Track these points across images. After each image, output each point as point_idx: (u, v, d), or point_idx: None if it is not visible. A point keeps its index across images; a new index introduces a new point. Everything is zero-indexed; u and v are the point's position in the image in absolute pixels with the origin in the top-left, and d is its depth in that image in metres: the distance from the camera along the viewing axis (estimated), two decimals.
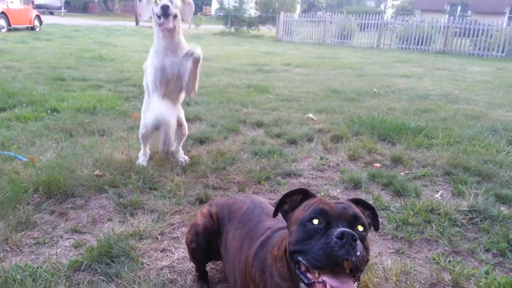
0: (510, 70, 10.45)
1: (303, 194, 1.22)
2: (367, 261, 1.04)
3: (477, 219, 2.33)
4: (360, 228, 1.06)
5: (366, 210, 1.23)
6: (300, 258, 1.04)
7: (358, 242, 0.98)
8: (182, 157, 3.10)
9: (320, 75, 8.27)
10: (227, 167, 3.00)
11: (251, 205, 1.54)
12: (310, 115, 4.58)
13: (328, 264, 0.97)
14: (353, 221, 1.06)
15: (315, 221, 1.04)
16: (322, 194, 2.64)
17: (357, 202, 1.20)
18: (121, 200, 2.38)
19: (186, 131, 3.15)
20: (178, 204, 2.40)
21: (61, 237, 2.02)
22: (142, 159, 3.00)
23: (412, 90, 6.64)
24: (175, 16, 2.60)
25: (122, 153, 3.12)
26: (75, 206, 2.33)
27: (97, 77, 6.42)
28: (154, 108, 2.69)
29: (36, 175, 2.53)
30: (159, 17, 2.57)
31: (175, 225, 2.18)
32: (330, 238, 0.98)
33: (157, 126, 2.69)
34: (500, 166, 3.17)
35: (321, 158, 3.30)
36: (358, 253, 0.96)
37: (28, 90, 5.01)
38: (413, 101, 5.67)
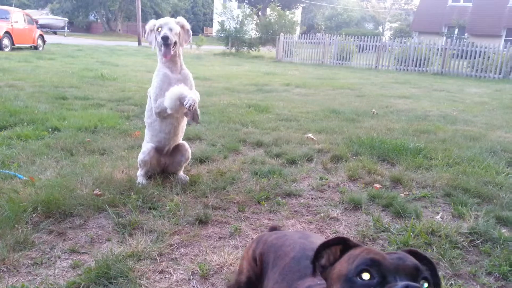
0: (508, 91, 10.54)
1: (344, 244, 0.95)
2: None
3: (478, 242, 2.32)
4: (425, 284, 0.82)
5: (423, 266, 0.96)
6: None
7: None
8: (183, 176, 3.11)
9: (320, 95, 8.34)
10: (227, 187, 2.99)
11: (299, 254, 1.24)
12: (310, 135, 4.60)
13: None
14: (415, 274, 0.81)
15: (366, 276, 0.80)
16: (322, 215, 2.63)
17: (412, 254, 0.92)
18: (120, 220, 2.37)
19: (190, 155, 3.16)
20: (177, 224, 2.39)
21: (59, 258, 2.00)
22: (141, 178, 2.98)
23: (410, 111, 6.68)
24: (175, 43, 2.82)
25: (122, 172, 3.12)
26: (74, 226, 2.32)
27: (99, 96, 6.47)
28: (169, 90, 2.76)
29: (35, 194, 2.52)
30: (161, 45, 2.80)
31: (174, 246, 2.16)
32: None
33: (179, 98, 2.70)
34: (500, 188, 3.17)
35: (321, 178, 3.30)
36: None
37: (30, 109, 5.04)
38: (412, 122, 5.70)
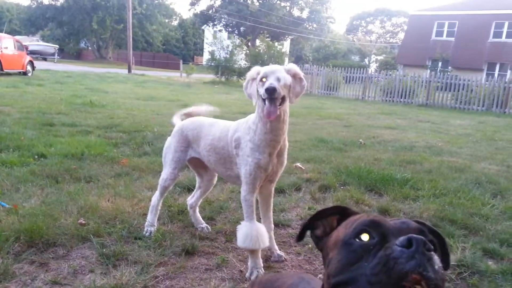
0: (491, 123, 10.80)
1: (342, 214, 0.87)
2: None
3: (465, 274, 2.32)
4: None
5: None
6: None
7: (433, 253, 0.67)
8: (202, 223, 2.83)
9: (308, 124, 8.43)
10: (214, 216, 2.96)
11: (297, 280, 1.18)
12: (298, 164, 4.62)
13: (391, 286, 0.65)
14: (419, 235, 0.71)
15: (365, 237, 0.73)
16: (310, 245, 2.61)
17: (418, 221, 0.82)
18: (104, 250, 2.32)
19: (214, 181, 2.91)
20: (163, 255, 2.34)
21: None
22: (150, 230, 2.60)
23: (397, 142, 6.79)
24: (283, 99, 2.08)
25: (108, 200, 3.07)
26: (57, 256, 2.25)
27: (87, 123, 6.44)
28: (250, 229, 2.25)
29: (18, 223, 2.46)
30: (264, 100, 2.07)
31: (159, 278, 2.11)
32: (391, 249, 0.67)
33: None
34: (486, 219, 3.20)
35: (309, 208, 3.29)
36: (436, 267, 0.65)
37: (16, 135, 4.98)
38: (398, 153, 5.78)
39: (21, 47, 16.60)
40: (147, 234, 2.58)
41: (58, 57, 34.34)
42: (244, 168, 2.23)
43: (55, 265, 2.16)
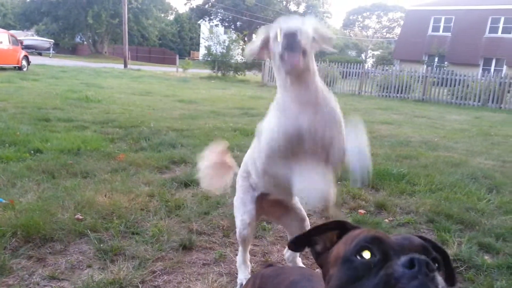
0: (486, 119, 10.85)
1: (341, 229, 0.83)
2: None
3: (462, 268, 2.34)
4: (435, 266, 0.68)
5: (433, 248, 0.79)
6: None
7: (436, 273, 0.65)
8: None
9: None
10: (212, 211, 2.97)
11: (298, 277, 1.16)
12: None
13: None
14: (422, 253, 0.69)
15: (366, 254, 0.71)
16: None
17: (421, 237, 0.80)
18: (101, 245, 2.31)
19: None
20: (160, 250, 2.34)
21: (38, 284, 1.93)
22: (244, 275, 2.11)
23: (393, 137, 6.80)
24: (305, 53, 1.60)
25: (105, 196, 3.07)
26: (54, 251, 2.25)
27: (83, 118, 6.40)
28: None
29: (15, 218, 2.45)
30: (281, 56, 1.61)
31: (157, 273, 2.11)
32: (393, 269, 0.66)
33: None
34: (482, 214, 3.22)
35: (306, 203, 3.29)
36: (440, 287, 0.64)
37: (12, 130, 4.95)
38: (394, 148, 5.79)
39: (16, 41, 16.46)
40: None
41: (53, 51, 34.11)
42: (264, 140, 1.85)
43: (52, 260, 2.16)
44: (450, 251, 2.52)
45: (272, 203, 2.12)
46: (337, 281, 0.72)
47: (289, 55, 1.58)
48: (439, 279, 0.65)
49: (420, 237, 0.78)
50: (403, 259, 0.66)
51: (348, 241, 0.77)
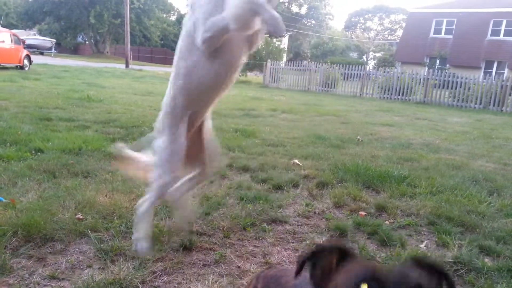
0: (488, 121, 10.84)
1: (341, 254, 0.86)
2: None
3: (462, 271, 2.33)
4: None
5: (433, 276, 0.82)
6: None
7: None
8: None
9: (306, 121, 8.43)
10: (212, 212, 2.97)
11: (302, 279, 1.11)
12: (296, 160, 4.63)
13: None
14: None
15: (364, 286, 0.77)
16: (308, 242, 2.62)
17: (420, 263, 0.82)
18: (102, 245, 2.32)
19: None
20: (161, 250, 2.34)
21: (38, 284, 1.93)
22: (143, 245, 2.23)
23: (394, 139, 6.80)
24: None
25: (106, 195, 3.07)
26: (54, 251, 2.25)
27: (84, 118, 6.41)
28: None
29: (16, 217, 2.46)
30: None
31: (157, 273, 2.11)
32: None
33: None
34: (483, 217, 3.22)
35: (307, 205, 3.30)
36: None
37: (13, 130, 4.96)
38: (395, 150, 5.79)
39: (18, 41, 16.50)
40: None
41: (55, 51, 34.16)
42: (200, 5, 2.00)
43: (52, 260, 2.16)
44: (451, 253, 2.52)
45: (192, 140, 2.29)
46: None
47: None
48: None
49: (417, 260, 0.82)
50: None
51: (348, 274, 0.80)
